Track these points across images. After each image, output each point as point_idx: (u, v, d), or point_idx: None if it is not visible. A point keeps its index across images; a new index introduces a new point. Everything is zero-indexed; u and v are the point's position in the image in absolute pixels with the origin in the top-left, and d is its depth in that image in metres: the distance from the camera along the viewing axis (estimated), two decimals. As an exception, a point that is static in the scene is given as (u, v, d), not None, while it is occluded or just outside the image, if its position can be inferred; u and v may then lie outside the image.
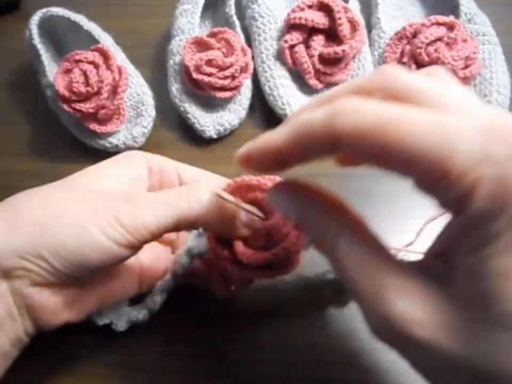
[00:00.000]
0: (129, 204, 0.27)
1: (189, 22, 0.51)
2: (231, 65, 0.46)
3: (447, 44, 0.46)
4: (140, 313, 0.34)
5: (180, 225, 0.27)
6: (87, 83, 0.44)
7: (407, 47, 0.47)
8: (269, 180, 0.29)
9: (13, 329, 0.27)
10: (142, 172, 0.32)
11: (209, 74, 0.46)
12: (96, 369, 0.35)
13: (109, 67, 0.45)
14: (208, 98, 0.48)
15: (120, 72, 0.45)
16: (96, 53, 0.45)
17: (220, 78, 0.46)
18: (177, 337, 0.36)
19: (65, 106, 0.44)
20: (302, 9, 0.47)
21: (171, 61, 0.50)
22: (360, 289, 0.20)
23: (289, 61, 0.48)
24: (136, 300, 0.34)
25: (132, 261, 0.30)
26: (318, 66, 0.47)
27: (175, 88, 0.48)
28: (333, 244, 0.21)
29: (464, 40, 0.46)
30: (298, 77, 0.49)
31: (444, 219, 0.21)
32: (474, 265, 0.17)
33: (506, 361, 0.17)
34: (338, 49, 0.46)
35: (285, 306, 0.37)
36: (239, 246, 0.28)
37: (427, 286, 0.19)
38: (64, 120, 0.48)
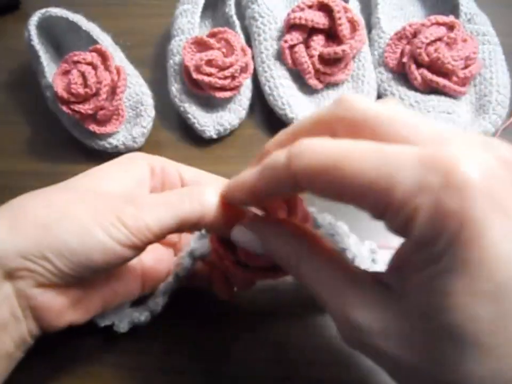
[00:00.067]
0: (132, 205, 0.27)
1: (189, 22, 0.51)
2: (231, 65, 0.46)
3: (447, 44, 0.46)
4: (141, 315, 0.34)
5: (182, 227, 0.27)
6: (85, 84, 0.44)
7: (407, 47, 0.47)
8: None
9: (17, 330, 0.27)
10: (144, 173, 0.32)
11: (209, 74, 0.46)
12: (97, 369, 0.35)
13: (107, 68, 0.45)
14: (208, 98, 0.48)
15: (118, 73, 0.45)
16: (94, 54, 0.45)
17: (219, 78, 0.46)
18: (178, 338, 0.36)
19: (64, 108, 0.44)
20: (302, 9, 0.47)
21: (171, 61, 0.50)
22: (326, 305, 0.23)
23: (289, 61, 0.48)
24: (138, 301, 0.34)
25: (134, 262, 0.30)
26: (318, 66, 0.47)
27: (175, 88, 0.48)
28: (297, 268, 0.24)
29: (464, 40, 0.46)
30: (298, 77, 0.49)
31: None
32: (421, 282, 0.19)
33: (460, 370, 0.18)
34: (338, 49, 0.46)
35: (285, 306, 0.37)
36: (243, 248, 0.28)
37: (384, 297, 0.21)
38: (64, 121, 0.48)
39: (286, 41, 0.47)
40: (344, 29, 0.46)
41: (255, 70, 0.49)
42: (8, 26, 0.60)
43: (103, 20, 0.53)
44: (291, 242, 0.25)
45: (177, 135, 0.49)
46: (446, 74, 0.45)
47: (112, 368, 0.35)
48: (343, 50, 0.46)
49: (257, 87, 0.50)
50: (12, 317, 0.26)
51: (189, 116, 0.47)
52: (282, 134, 0.25)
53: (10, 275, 0.26)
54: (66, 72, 0.45)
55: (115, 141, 0.46)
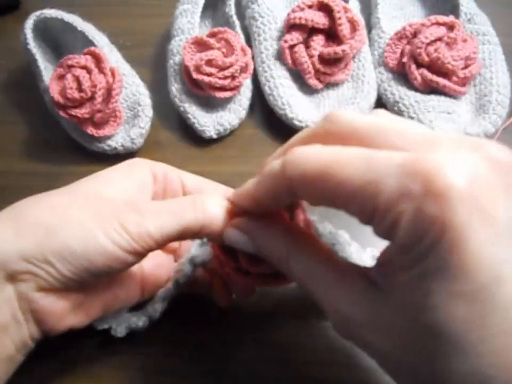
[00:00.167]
0: (135, 211, 0.27)
1: (189, 22, 0.51)
2: (231, 65, 0.46)
3: (447, 44, 0.46)
4: (139, 320, 0.34)
5: (184, 235, 0.28)
6: (80, 89, 0.43)
7: (407, 47, 0.47)
8: None
9: (18, 333, 0.27)
10: (147, 180, 0.32)
11: (209, 74, 0.46)
12: (97, 371, 0.35)
13: (101, 70, 0.44)
14: (208, 98, 0.48)
15: (113, 75, 0.45)
16: (88, 57, 0.45)
17: (219, 78, 0.46)
18: (178, 339, 0.36)
19: (61, 113, 0.44)
20: (302, 9, 0.47)
21: (171, 61, 0.50)
22: (316, 298, 0.24)
23: (289, 61, 0.48)
24: (136, 306, 0.34)
25: (134, 268, 0.30)
26: (318, 66, 0.47)
27: (175, 88, 0.48)
28: (286, 265, 0.25)
29: (464, 40, 0.46)
30: (298, 77, 0.49)
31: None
32: (405, 281, 0.20)
33: (442, 366, 0.19)
34: (338, 49, 0.46)
35: (285, 306, 0.37)
36: (244, 254, 0.28)
37: (371, 292, 0.22)
38: (63, 123, 0.48)
39: (286, 41, 0.47)
40: (344, 29, 0.46)
41: (255, 70, 0.49)
42: (8, 26, 0.60)
43: (103, 20, 0.53)
44: (280, 240, 0.25)
45: (177, 135, 0.49)
46: (446, 74, 0.45)
47: (112, 369, 0.35)
48: (343, 50, 0.46)
49: (257, 87, 0.50)
50: (13, 319, 0.26)
51: (189, 115, 0.47)
52: (278, 151, 0.26)
53: (13, 277, 0.26)
54: (61, 77, 0.44)
55: (114, 143, 0.46)
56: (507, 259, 0.18)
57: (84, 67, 0.44)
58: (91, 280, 0.27)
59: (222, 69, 0.46)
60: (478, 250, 0.18)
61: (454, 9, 0.51)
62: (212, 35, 0.48)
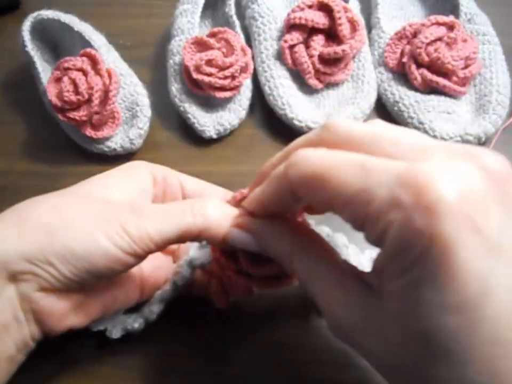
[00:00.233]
0: (136, 214, 0.27)
1: (189, 22, 0.51)
2: (231, 65, 0.46)
3: (447, 44, 0.46)
4: (135, 322, 0.34)
5: (183, 238, 0.28)
6: (77, 91, 0.43)
7: (407, 47, 0.47)
8: None
9: (19, 333, 0.27)
10: (147, 182, 0.32)
11: (209, 74, 0.46)
12: (97, 370, 0.35)
13: (98, 72, 0.44)
14: (208, 98, 0.48)
15: (110, 76, 0.44)
16: (84, 59, 0.44)
17: (219, 78, 0.46)
18: (177, 339, 0.36)
19: (59, 116, 0.44)
20: (302, 9, 0.47)
21: (171, 61, 0.50)
22: (314, 298, 0.24)
23: (289, 61, 0.48)
24: (132, 307, 0.34)
25: (134, 269, 0.30)
26: (318, 66, 0.47)
27: (175, 88, 0.48)
28: (291, 263, 0.25)
29: (464, 40, 0.46)
30: (298, 77, 0.49)
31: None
32: (397, 289, 0.20)
33: (432, 373, 0.20)
34: (338, 49, 0.46)
35: (285, 307, 0.37)
36: (245, 256, 0.28)
37: (366, 297, 0.22)
38: (62, 125, 0.48)
39: (286, 41, 0.47)
40: (344, 29, 0.46)
41: (255, 70, 0.49)
42: (8, 26, 0.60)
43: (103, 20, 0.53)
44: (285, 239, 0.25)
45: (177, 135, 0.49)
46: (446, 74, 0.45)
47: (112, 369, 0.35)
48: (343, 50, 0.46)
49: (257, 87, 0.50)
50: (14, 319, 0.26)
51: (189, 115, 0.47)
52: (277, 155, 0.26)
53: (14, 278, 0.26)
54: (58, 80, 0.44)
55: (113, 144, 0.46)
56: (495, 272, 0.18)
57: (80, 69, 0.44)
58: (92, 281, 0.27)
59: (222, 69, 0.46)
60: (466, 263, 0.18)
61: (454, 9, 0.51)
62: (212, 35, 0.48)
